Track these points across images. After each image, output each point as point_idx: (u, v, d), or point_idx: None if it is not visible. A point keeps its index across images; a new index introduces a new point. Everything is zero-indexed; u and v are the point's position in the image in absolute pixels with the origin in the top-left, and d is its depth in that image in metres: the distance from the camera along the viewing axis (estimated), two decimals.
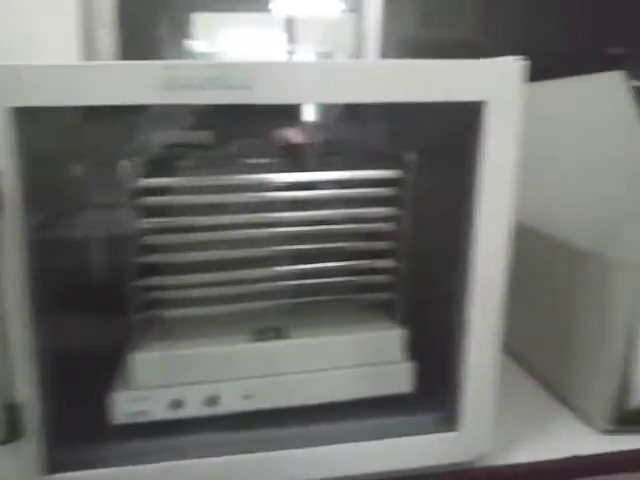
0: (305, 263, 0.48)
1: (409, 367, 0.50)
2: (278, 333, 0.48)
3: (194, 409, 0.47)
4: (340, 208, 0.47)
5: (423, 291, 0.50)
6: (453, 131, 0.46)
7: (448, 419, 0.49)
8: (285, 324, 0.49)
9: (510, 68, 0.43)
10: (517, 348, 0.69)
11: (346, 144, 0.49)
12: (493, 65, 0.43)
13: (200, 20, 1.68)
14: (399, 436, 0.48)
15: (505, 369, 0.66)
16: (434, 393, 0.50)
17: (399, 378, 0.50)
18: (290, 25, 1.70)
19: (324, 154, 0.48)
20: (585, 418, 0.57)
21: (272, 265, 0.47)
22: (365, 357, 0.49)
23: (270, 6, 1.65)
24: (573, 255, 0.58)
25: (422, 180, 0.47)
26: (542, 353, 0.65)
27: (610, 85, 0.53)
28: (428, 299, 0.50)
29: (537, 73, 0.62)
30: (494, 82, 0.43)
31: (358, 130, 0.49)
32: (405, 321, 0.51)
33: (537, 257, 0.64)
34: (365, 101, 0.42)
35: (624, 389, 0.53)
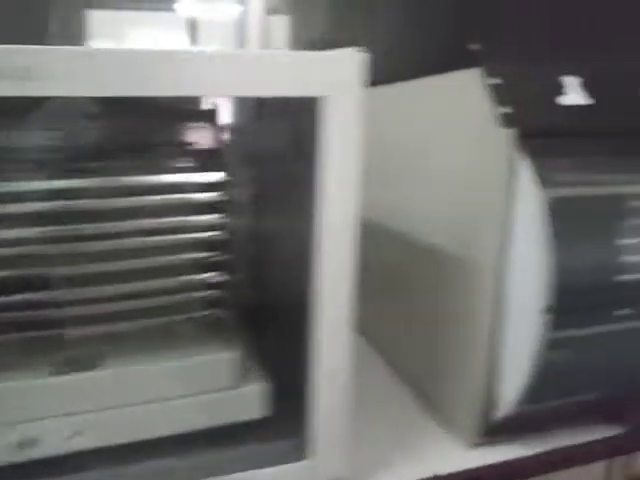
0: (119, 282, 0.42)
1: (253, 391, 0.46)
2: (83, 364, 0.42)
3: (7, 454, 0.41)
4: (160, 217, 0.41)
5: (265, 304, 0.45)
6: (292, 129, 0.42)
7: (299, 446, 0.44)
8: (102, 352, 0.43)
9: (349, 61, 0.39)
10: (389, 353, 0.66)
11: (165, 144, 0.43)
12: (330, 58, 0.39)
13: (98, 18, 1.58)
14: (249, 469, 0.44)
15: (376, 374, 0.64)
16: (284, 419, 0.45)
17: (242, 404, 0.45)
18: (192, 26, 1.64)
19: (136, 155, 0.42)
20: (454, 429, 0.54)
21: (81, 285, 0.41)
22: (195, 384, 0.44)
23: (174, 6, 1.59)
24: (434, 257, 0.56)
25: (259, 184, 0.43)
26: (411, 359, 0.62)
27: (467, 83, 0.51)
28: (271, 313, 0.45)
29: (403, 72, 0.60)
30: (332, 75, 0.39)
31: (179, 127, 0.44)
32: (247, 339, 0.46)
33: (400, 260, 0.62)
34: (184, 94, 0.37)
35: (490, 400, 0.50)
